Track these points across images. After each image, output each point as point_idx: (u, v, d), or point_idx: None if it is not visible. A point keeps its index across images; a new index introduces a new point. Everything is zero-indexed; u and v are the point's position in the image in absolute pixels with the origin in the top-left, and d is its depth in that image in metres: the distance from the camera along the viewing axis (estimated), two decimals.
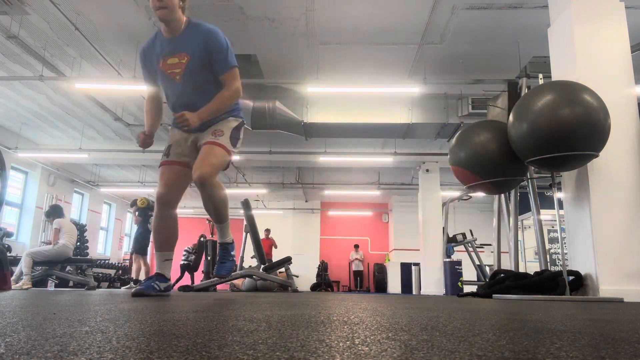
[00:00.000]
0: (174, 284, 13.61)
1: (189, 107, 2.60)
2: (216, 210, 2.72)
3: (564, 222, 4.22)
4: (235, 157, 10.60)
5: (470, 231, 9.52)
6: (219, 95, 2.61)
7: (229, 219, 2.84)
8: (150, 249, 16.28)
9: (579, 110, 3.58)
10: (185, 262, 13.72)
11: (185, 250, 14.00)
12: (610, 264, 3.68)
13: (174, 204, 2.73)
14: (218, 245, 3.01)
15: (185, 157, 2.74)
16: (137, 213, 8.07)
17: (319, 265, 15.51)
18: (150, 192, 15.48)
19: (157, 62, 2.62)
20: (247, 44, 6.86)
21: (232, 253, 2.97)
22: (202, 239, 12.05)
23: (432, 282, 10.67)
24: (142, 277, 7.68)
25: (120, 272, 13.13)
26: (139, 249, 7.82)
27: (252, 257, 8.01)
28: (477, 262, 9.06)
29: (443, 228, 9.69)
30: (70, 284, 8.97)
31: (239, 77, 2.71)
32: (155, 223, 2.69)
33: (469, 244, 9.27)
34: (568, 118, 3.57)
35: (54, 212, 6.92)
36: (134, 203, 8.20)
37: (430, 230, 10.87)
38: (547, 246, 10.61)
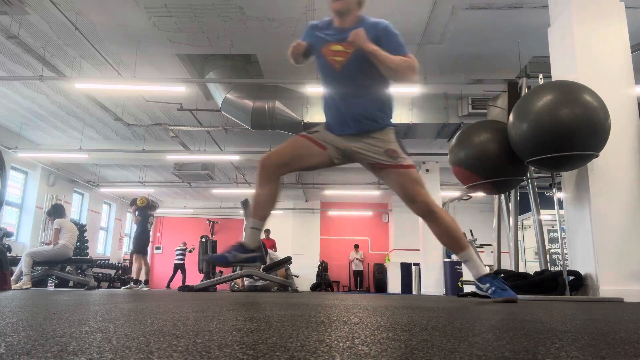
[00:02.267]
0: (169, 281, 13.66)
1: (343, 99, 2.45)
2: (451, 236, 2.53)
3: (564, 222, 4.22)
4: (235, 157, 10.67)
5: (470, 231, 9.52)
6: (398, 56, 2.33)
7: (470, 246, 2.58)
8: (150, 249, 16.31)
9: (579, 110, 3.58)
10: (180, 262, 13.74)
11: (179, 250, 14.02)
12: (610, 264, 3.68)
13: (277, 174, 2.46)
14: (476, 281, 2.59)
15: (329, 146, 2.47)
16: (136, 212, 8.03)
17: (319, 265, 15.51)
18: (150, 191, 15.50)
19: (321, 45, 2.46)
20: (247, 44, 6.86)
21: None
22: (203, 239, 12.05)
23: (432, 282, 10.67)
24: (142, 277, 7.67)
25: (120, 272, 13.14)
26: (139, 248, 7.80)
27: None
28: None
29: None
30: (70, 284, 8.97)
31: (416, 69, 2.37)
32: (256, 188, 2.46)
33: (470, 244, 9.25)
34: (568, 118, 3.57)
35: (56, 211, 6.92)
36: (133, 202, 8.16)
37: (430, 231, 10.85)
38: (547, 246, 10.60)
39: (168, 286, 13.74)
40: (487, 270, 2.59)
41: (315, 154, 2.47)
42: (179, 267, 13.69)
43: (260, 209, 2.49)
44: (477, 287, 2.60)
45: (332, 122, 2.50)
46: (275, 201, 2.53)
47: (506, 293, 2.47)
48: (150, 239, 8.83)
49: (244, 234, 2.54)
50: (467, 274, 9.08)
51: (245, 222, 7.36)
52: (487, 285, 2.53)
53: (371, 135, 2.45)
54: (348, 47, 2.39)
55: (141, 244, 7.83)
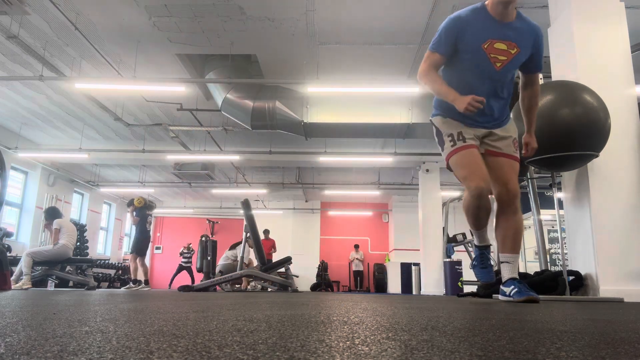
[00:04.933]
0: (172, 280, 13.67)
1: (490, 97, 2.46)
2: (518, 235, 2.58)
3: (564, 222, 4.22)
4: (235, 157, 10.67)
5: (470, 231, 9.52)
6: (534, 100, 2.65)
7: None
8: (150, 249, 16.29)
9: (579, 110, 3.58)
10: (187, 265, 13.75)
11: (184, 251, 14.02)
12: (610, 264, 3.68)
13: (488, 194, 2.48)
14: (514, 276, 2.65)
15: (478, 142, 2.55)
16: (134, 213, 7.95)
17: (319, 265, 15.51)
18: (150, 192, 15.50)
19: (482, 41, 2.42)
20: (247, 44, 6.86)
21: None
22: (203, 238, 12.04)
23: (432, 282, 10.67)
24: (140, 277, 7.64)
25: (120, 272, 13.15)
26: (138, 250, 7.75)
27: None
28: None
29: (443, 228, 9.69)
30: (70, 284, 8.98)
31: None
32: (476, 212, 2.50)
33: (469, 244, 9.27)
34: (568, 118, 3.57)
35: (52, 214, 6.91)
36: (130, 203, 8.06)
37: (430, 230, 10.87)
38: (547, 246, 10.60)
39: (170, 285, 13.76)
40: (516, 274, 2.69)
41: (480, 156, 2.59)
42: (185, 269, 13.69)
43: (477, 225, 2.69)
44: (502, 293, 2.62)
45: (475, 116, 2.53)
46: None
47: (528, 293, 2.53)
48: (150, 240, 8.79)
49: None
50: (467, 274, 9.07)
51: (245, 224, 7.40)
52: (512, 287, 2.57)
53: (504, 128, 2.61)
54: (512, 48, 2.42)
55: (140, 246, 7.76)
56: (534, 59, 2.50)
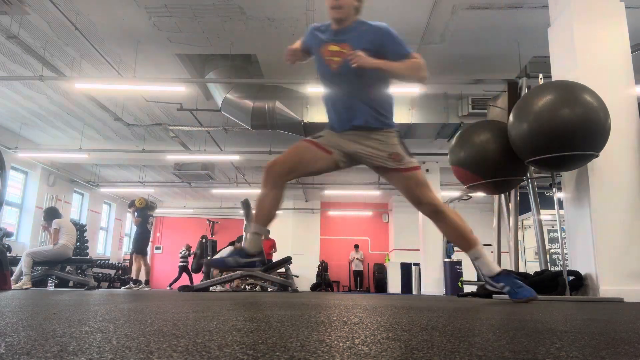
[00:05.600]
0: (175, 280, 13.68)
1: (340, 98, 2.49)
2: (461, 232, 2.58)
3: (564, 222, 4.22)
4: (235, 157, 10.67)
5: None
6: (404, 60, 2.36)
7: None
8: (150, 249, 16.26)
9: (579, 110, 3.58)
10: (183, 264, 13.74)
11: (183, 252, 14.02)
12: (610, 264, 3.68)
13: (282, 180, 2.47)
14: (487, 280, 2.61)
15: (335, 150, 2.49)
16: (136, 214, 8.02)
17: (319, 265, 15.51)
18: (150, 192, 15.50)
19: (319, 46, 2.50)
20: (247, 44, 6.86)
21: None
22: (203, 239, 12.05)
23: (432, 282, 10.67)
24: (142, 277, 7.67)
25: (120, 272, 13.15)
26: (139, 248, 7.80)
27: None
28: None
29: None
30: (70, 284, 8.97)
31: (424, 67, 2.38)
32: (260, 193, 2.48)
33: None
34: (568, 118, 3.57)
35: (50, 214, 6.91)
36: (132, 204, 8.16)
37: (430, 230, 10.86)
38: (547, 246, 10.60)
39: (170, 286, 13.75)
40: (499, 268, 2.60)
41: (320, 158, 2.49)
42: (184, 270, 13.69)
43: (263, 215, 2.54)
44: (491, 286, 2.60)
45: (333, 121, 2.53)
46: (279, 207, 2.56)
47: (525, 292, 2.50)
48: (150, 239, 8.81)
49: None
50: (467, 274, 9.07)
51: (245, 224, 7.37)
52: (502, 284, 2.54)
53: (373, 137, 2.46)
54: (344, 48, 2.41)
55: (141, 245, 7.83)
56: (389, 50, 2.38)
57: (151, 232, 8.30)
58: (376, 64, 2.30)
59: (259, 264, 2.58)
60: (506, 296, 2.65)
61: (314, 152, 2.48)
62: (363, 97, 2.45)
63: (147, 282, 7.72)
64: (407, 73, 2.36)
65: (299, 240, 16.32)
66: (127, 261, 10.72)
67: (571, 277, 3.87)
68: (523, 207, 6.41)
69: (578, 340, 0.77)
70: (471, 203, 14.35)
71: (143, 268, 7.73)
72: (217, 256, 8.94)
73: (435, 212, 2.52)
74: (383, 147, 2.47)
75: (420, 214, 11.69)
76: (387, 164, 2.47)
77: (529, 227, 11.72)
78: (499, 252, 5.32)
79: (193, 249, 13.77)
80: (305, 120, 7.98)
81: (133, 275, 7.81)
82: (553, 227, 11.55)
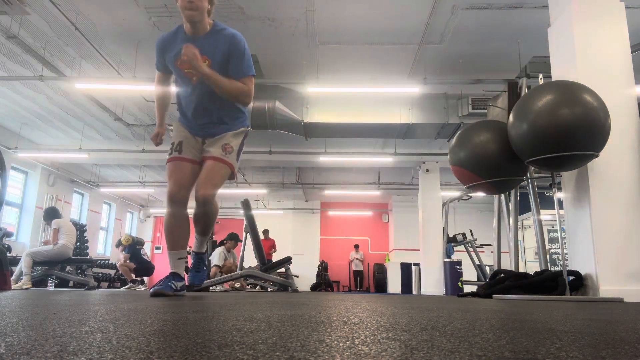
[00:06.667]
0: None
1: (201, 111, 2.67)
2: (207, 224, 2.80)
3: (564, 222, 4.22)
4: None
5: (470, 231, 9.52)
6: (233, 81, 2.57)
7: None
8: (151, 248, 16.24)
9: (579, 110, 3.58)
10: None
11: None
12: (610, 264, 3.68)
13: (185, 203, 2.70)
14: (194, 254, 3.04)
15: (197, 155, 2.75)
16: (125, 251, 8.26)
17: (319, 265, 15.50)
18: (150, 192, 15.49)
19: (175, 58, 2.60)
20: (247, 44, 6.85)
21: (206, 262, 3.07)
22: None
23: (432, 282, 10.67)
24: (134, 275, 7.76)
25: (120, 272, 13.12)
26: (145, 273, 7.98)
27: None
28: (477, 262, 9.06)
29: (443, 228, 9.69)
30: (70, 284, 8.97)
31: (253, 89, 2.66)
32: (167, 221, 2.66)
33: (469, 244, 9.27)
34: (568, 118, 3.57)
35: (51, 214, 6.91)
36: (119, 244, 8.48)
37: (430, 230, 10.87)
38: (547, 246, 10.61)
39: None
40: (204, 250, 3.03)
41: (192, 169, 2.71)
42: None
43: (180, 241, 2.73)
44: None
45: (190, 125, 2.76)
46: (189, 227, 2.77)
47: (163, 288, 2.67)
48: (153, 268, 8.89)
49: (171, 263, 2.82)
50: (467, 274, 9.08)
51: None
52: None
53: (224, 130, 2.72)
54: (203, 60, 2.51)
55: (144, 273, 8.05)
56: (232, 64, 2.57)
57: (150, 262, 8.49)
58: (203, 69, 2.46)
59: (186, 288, 2.83)
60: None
61: (188, 167, 2.71)
62: (217, 107, 2.68)
63: (142, 282, 7.74)
64: (231, 93, 2.58)
65: (299, 240, 16.32)
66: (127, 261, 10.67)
67: (571, 277, 3.87)
68: (523, 207, 6.42)
69: (578, 340, 0.77)
70: (471, 203, 14.36)
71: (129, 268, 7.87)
72: (213, 262, 8.99)
73: (204, 203, 2.65)
74: (225, 140, 2.71)
75: (420, 214, 11.68)
76: (216, 152, 2.68)
77: (529, 227, 11.73)
78: (499, 252, 5.32)
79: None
80: (305, 120, 7.98)
81: (127, 277, 7.90)
82: (553, 227, 11.56)
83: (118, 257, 8.78)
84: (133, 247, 8.16)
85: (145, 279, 7.83)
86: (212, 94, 2.62)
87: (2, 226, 8.70)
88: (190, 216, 2.71)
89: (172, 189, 2.63)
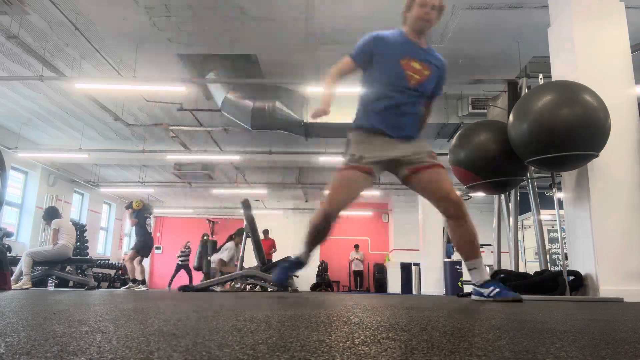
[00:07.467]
0: (172, 278, 13.67)
1: (405, 109, 2.67)
2: (475, 238, 2.59)
3: (564, 222, 4.22)
4: (235, 157, 10.66)
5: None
6: (425, 118, 2.85)
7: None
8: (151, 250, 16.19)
9: (579, 110, 3.58)
10: (183, 262, 13.74)
11: (182, 250, 14.02)
12: (610, 264, 3.68)
13: (336, 218, 2.80)
14: (475, 288, 2.69)
15: (373, 165, 2.65)
16: (133, 215, 7.99)
17: (319, 265, 15.50)
18: (150, 192, 15.49)
19: (400, 57, 2.67)
20: (247, 44, 6.86)
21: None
22: (204, 237, 12.04)
23: (432, 282, 10.67)
24: (138, 276, 7.65)
25: (120, 272, 13.13)
26: (142, 252, 7.78)
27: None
28: None
29: (443, 228, 9.69)
30: (70, 284, 8.97)
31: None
32: (315, 227, 2.86)
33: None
34: (568, 118, 3.57)
35: (51, 214, 6.91)
36: (129, 205, 8.10)
37: (430, 230, 10.87)
38: (547, 246, 10.59)
39: (169, 285, 13.75)
40: (488, 276, 2.69)
41: (363, 181, 2.66)
42: (183, 267, 13.67)
43: (314, 244, 3.02)
44: (477, 293, 2.60)
45: (387, 127, 2.66)
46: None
47: (512, 293, 2.54)
48: (153, 243, 8.79)
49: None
50: (467, 274, 9.07)
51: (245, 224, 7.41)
52: (492, 288, 2.57)
53: (414, 143, 2.71)
54: (426, 69, 2.68)
55: (145, 249, 7.83)
56: (439, 85, 2.82)
57: (151, 234, 8.31)
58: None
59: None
60: (486, 298, 2.65)
61: (358, 177, 2.68)
62: (418, 112, 2.77)
63: (143, 282, 7.71)
64: (428, 115, 3.02)
65: (299, 240, 16.26)
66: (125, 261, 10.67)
67: (571, 277, 3.87)
68: (523, 207, 6.41)
69: (578, 340, 0.77)
70: (471, 203, 14.35)
71: (137, 268, 7.71)
72: (220, 255, 8.98)
73: (460, 211, 2.56)
74: (423, 149, 2.73)
75: (420, 214, 11.66)
76: (427, 160, 2.66)
77: (529, 227, 11.72)
78: (499, 252, 5.32)
79: (194, 248, 13.78)
80: (305, 120, 7.98)
81: (130, 275, 7.82)
82: (553, 227, 11.55)
83: (120, 256, 8.68)
84: (142, 214, 8.00)
85: (146, 279, 7.78)
86: (414, 104, 2.72)
87: (2, 226, 8.71)
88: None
89: (337, 203, 2.85)
